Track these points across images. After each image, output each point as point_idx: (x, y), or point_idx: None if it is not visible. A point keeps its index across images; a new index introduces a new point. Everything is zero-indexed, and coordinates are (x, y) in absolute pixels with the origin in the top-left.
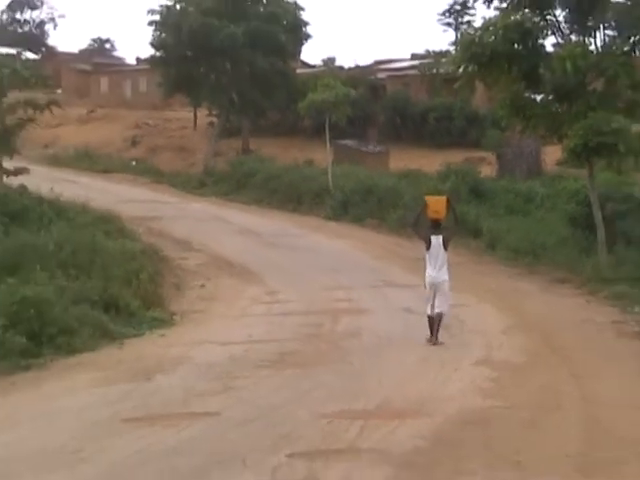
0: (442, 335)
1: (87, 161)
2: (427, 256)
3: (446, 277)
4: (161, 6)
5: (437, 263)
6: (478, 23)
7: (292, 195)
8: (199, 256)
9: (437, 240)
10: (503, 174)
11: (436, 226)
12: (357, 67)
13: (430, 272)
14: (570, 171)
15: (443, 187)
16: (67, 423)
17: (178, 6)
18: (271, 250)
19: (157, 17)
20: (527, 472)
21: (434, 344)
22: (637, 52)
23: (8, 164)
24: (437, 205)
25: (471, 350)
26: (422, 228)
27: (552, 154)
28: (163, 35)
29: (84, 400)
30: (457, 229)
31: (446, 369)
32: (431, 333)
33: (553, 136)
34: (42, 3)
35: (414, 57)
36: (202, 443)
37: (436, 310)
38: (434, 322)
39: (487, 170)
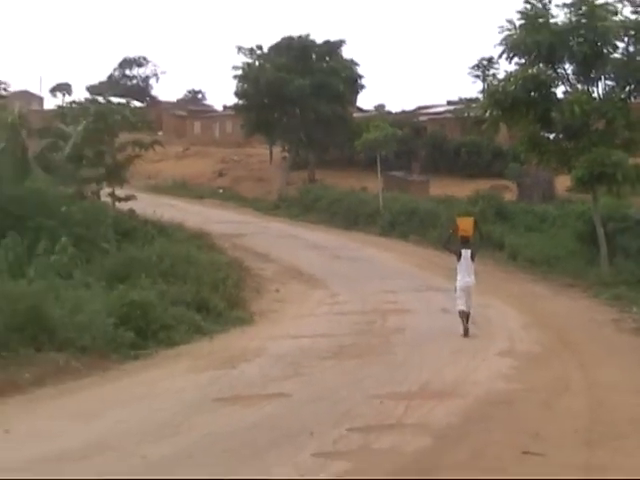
0: (472, 333)
1: (183, 189)
2: (458, 266)
3: (473, 282)
4: (243, 63)
5: (467, 271)
6: (501, 75)
7: (350, 216)
8: (274, 266)
9: (466, 253)
10: (522, 199)
11: (465, 242)
12: (403, 112)
13: (461, 278)
14: (577, 196)
15: (473, 209)
16: (167, 403)
17: (257, 63)
18: (333, 261)
19: (240, 72)
20: (544, 443)
21: (467, 335)
22: (632, 98)
23: (119, 192)
24: (466, 225)
25: (496, 343)
26: (454, 243)
27: (562, 182)
28: (245, 86)
29: (181, 384)
30: (482, 244)
31: (476, 358)
32: (465, 327)
33: (563, 167)
34: (147, 61)
35: (449, 103)
36: (277, 419)
37: (462, 307)
38: (466, 315)
39: (509, 196)
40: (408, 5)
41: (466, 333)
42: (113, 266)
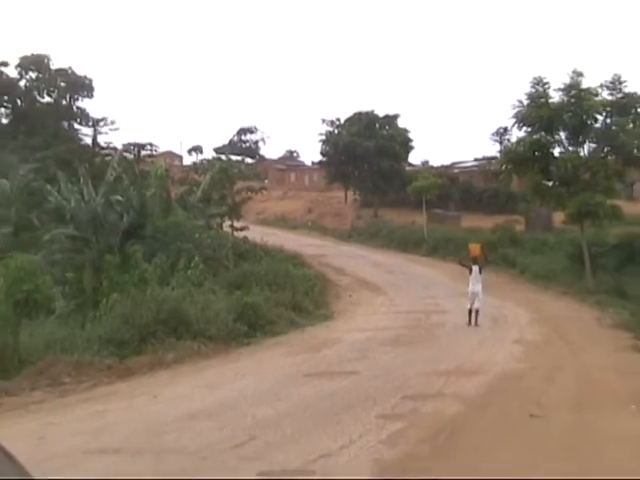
0: (492, 327)
1: (282, 222)
2: (470, 278)
3: (480, 289)
4: (326, 131)
5: (475, 281)
6: (514, 139)
7: (403, 242)
8: (348, 278)
9: (475, 269)
10: (529, 229)
11: (475, 261)
12: (442, 166)
13: (471, 287)
14: (569, 227)
15: (493, 237)
16: (271, 377)
17: (336, 131)
18: (390, 274)
19: (323, 137)
20: (545, 408)
21: (470, 324)
22: (609, 156)
23: (237, 224)
24: (475, 250)
25: (510, 334)
26: (467, 262)
27: (558, 217)
28: (327, 148)
29: (281, 363)
30: (486, 262)
31: (495, 345)
32: (469, 319)
33: (559, 206)
34: (257, 129)
35: (475, 159)
36: (349, 390)
37: (475, 306)
38: (473, 313)
39: (519, 227)
40: (447, 86)
41: (470, 322)
42: (232, 278)
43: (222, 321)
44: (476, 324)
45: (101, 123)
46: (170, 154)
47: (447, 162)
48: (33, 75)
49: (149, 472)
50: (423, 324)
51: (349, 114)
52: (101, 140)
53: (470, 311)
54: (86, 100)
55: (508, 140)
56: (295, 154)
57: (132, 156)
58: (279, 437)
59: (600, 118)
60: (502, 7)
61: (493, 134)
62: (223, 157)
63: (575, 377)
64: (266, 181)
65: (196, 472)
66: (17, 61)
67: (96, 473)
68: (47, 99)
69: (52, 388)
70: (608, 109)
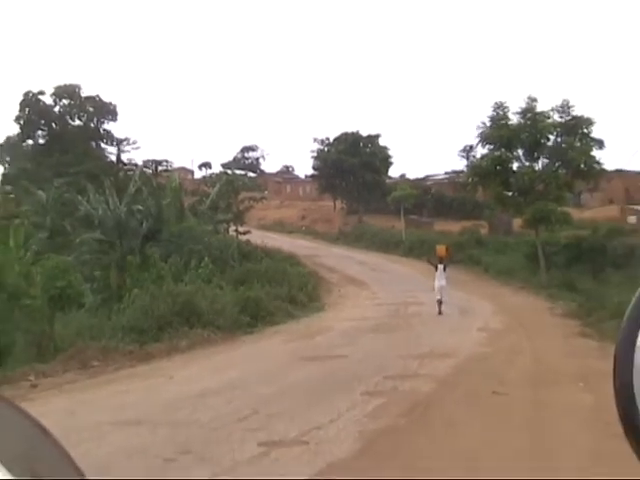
0: (461, 316)
1: (279, 227)
2: (436, 274)
3: (445, 284)
4: (317, 148)
5: (440, 277)
6: (478, 156)
7: (383, 244)
8: (337, 275)
9: (440, 267)
10: (492, 233)
11: (440, 260)
12: (416, 178)
13: (437, 282)
14: (526, 231)
15: (461, 239)
16: (271, 360)
17: (326, 148)
18: (373, 272)
19: (315, 154)
20: (506, 386)
21: (440, 314)
22: (559, 170)
23: (240, 229)
24: (440, 250)
25: (476, 323)
26: (434, 261)
27: (517, 222)
28: (318, 163)
29: (279, 349)
30: (451, 261)
31: (463, 332)
32: (439, 309)
33: (517, 213)
34: (258, 148)
35: (446, 172)
36: (339, 371)
37: (439, 298)
38: (440, 304)
39: (484, 231)
40: (422, 109)
41: (439, 313)
42: (237, 275)
43: (228, 312)
44: (440, 313)
45: (124, 143)
46: (183, 169)
47: (421, 175)
48: (66, 102)
49: (166, 442)
50: (401, 314)
51: (337, 134)
52: (124, 157)
53: (438, 301)
54: (111, 123)
55: (473, 156)
56: (290, 168)
57: (150, 171)
58: (278, 412)
59: (552, 137)
60: (468, 43)
61: (461, 151)
62: (229, 172)
63: (531, 359)
64: (266, 192)
65: (206, 442)
66: (52, 90)
67: (120, 443)
68: (78, 122)
69: (82, 371)
70: (558, 130)
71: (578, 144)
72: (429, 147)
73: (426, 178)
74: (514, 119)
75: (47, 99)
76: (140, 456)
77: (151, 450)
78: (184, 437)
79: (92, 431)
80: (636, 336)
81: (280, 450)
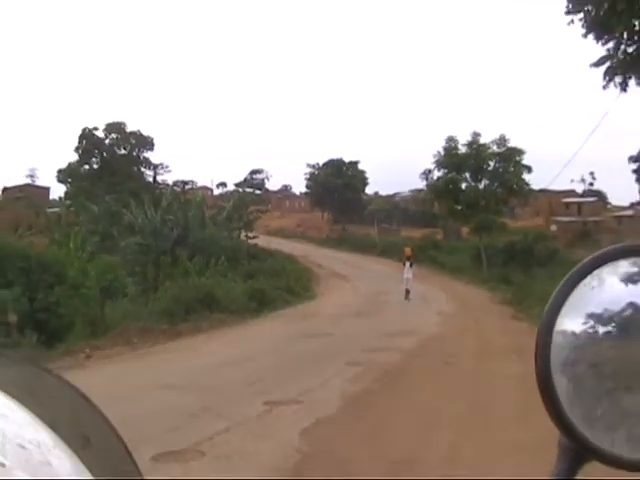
0: (422, 303)
1: (280, 233)
2: (404, 269)
3: (411, 277)
4: (309, 172)
5: (408, 272)
6: (435, 177)
7: (362, 247)
8: (325, 271)
9: (407, 263)
10: (446, 238)
11: (407, 258)
12: (387, 195)
13: (405, 275)
14: (472, 237)
15: (421, 243)
16: (273, 337)
17: (316, 172)
18: (354, 269)
19: (307, 176)
20: (456, 358)
21: (406, 299)
22: (498, 189)
23: (250, 235)
24: (407, 251)
25: (433, 308)
26: (403, 259)
27: (465, 230)
28: (310, 183)
29: (280, 329)
30: (415, 259)
31: (424, 316)
32: (405, 296)
33: (465, 223)
34: (263, 171)
35: (410, 190)
36: (327, 346)
37: (407, 287)
38: (407, 293)
39: (439, 236)
40: (393, 139)
41: (406, 298)
42: (246, 271)
43: (240, 300)
44: (407, 299)
45: (159, 167)
46: (205, 187)
47: (391, 192)
48: (114, 136)
49: (191, 402)
50: (376, 302)
51: (325, 160)
52: (159, 178)
53: (406, 291)
54: (149, 152)
55: (431, 178)
56: (289, 187)
57: (179, 189)
58: (279, 378)
59: (492, 164)
60: (425, 86)
61: (421, 174)
62: (240, 189)
63: (476, 337)
64: (269, 205)
65: (222, 402)
66: (104, 126)
67: (155, 402)
68: (123, 152)
69: (127, 346)
70: (497, 158)
71: (512, 169)
72: (397, 171)
73: (395, 195)
74: (462, 149)
75: (100, 133)
76: (171, 412)
77: (179, 408)
78: (205, 398)
79: (134, 392)
80: (554, 324)
81: (280, 408)
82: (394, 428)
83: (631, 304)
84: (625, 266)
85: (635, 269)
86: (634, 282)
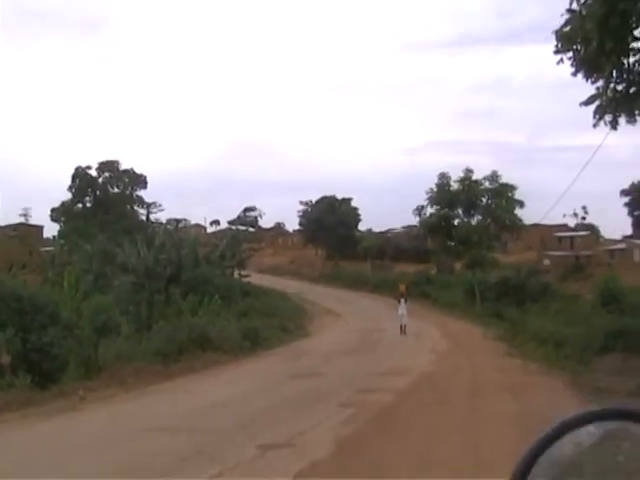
0: (415, 340)
1: (273, 271)
2: (399, 306)
3: (405, 313)
4: (302, 209)
5: (402, 308)
6: (428, 213)
7: (354, 283)
8: (318, 308)
9: (402, 300)
10: (439, 273)
11: (401, 295)
12: (380, 232)
13: (399, 312)
14: (465, 271)
15: (415, 278)
16: (266, 378)
17: (309, 209)
18: (347, 305)
19: (300, 213)
20: (449, 397)
21: (401, 334)
22: (490, 225)
23: (243, 273)
24: (401, 288)
25: (426, 345)
26: (397, 296)
27: (458, 265)
28: (303, 220)
29: (273, 368)
30: (409, 296)
31: (416, 354)
32: (400, 332)
33: (458, 258)
34: (256, 209)
35: (403, 227)
36: (319, 386)
37: (403, 323)
38: (402, 328)
39: (433, 271)
40: (384, 180)
41: (402, 333)
42: (240, 309)
43: (233, 339)
44: (404, 333)
45: (152, 206)
46: (198, 225)
47: (384, 229)
48: (107, 174)
49: (184, 444)
50: (369, 339)
51: (318, 197)
52: (152, 217)
53: (400, 327)
54: (142, 190)
55: (424, 214)
56: (282, 224)
57: (172, 227)
58: (271, 420)
59: (484, 199)
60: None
61: (414, 210)
62: (233, 227)
63: (469, 375)
64: (262, 243)
65: (215, 445)
66: (97, 165)
67: (149, 445)
68: (116, 190)
69: (120, 386)
70: (489, 193)
71: (504, 204)
72: (390, 207)
73: (387, 231)
74: (455, 186)
75: (93, 172)
76: (164, 456)
77: (172, 451)
78: (198, 441)
79: (127, 436)
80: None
81: (273, 451)
82: (387, 472)
83: (598, 468)
84: (591, 431)
85: (601, 433)
86: (599, 447)
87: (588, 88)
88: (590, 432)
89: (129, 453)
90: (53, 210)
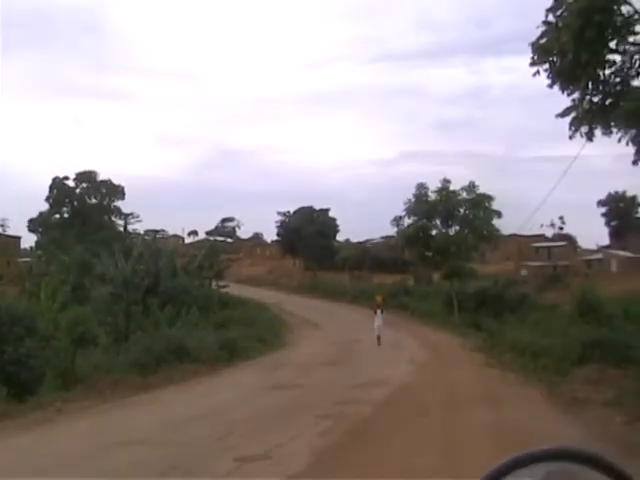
0: (392, 351)
1: (251, 281)
2: (375, 317)
3: (382, 324)
4: (281, 219)
5: (378, 319)
6: (406, 224)
7: (333, 293)
8: (296, 318)
9: (379, 311)
10: (417, 284)
11: (378, 306)
12: (358, 242)
13: (376, 323)
14: (443, 282)
15: (392, 289)
16: (243, 389)
17: (287, 219)
18: (325, 316)
19: (279, 223)
20: (426, 408)
21: (379, 345)
22: (468, 235)
23: (221, 283)
24: (378, 299)
25: (404, 356)
26: (374, 307)
27: (436, 275)
28: (281, 230)
29: (251, 379)
30: (386, 307)
31: (394, 365)
32: (378, 342)
33: (436, 269)
34: (234, 219)
35: (381, 237)
36: (297, 398)
37: (378, 334)
38: (379, 338)
39: (410, 282)
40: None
41: (379, 344)
42: (218, 320)
43: (211, 350)
44: (379, 344)
45: (130, 217)
46: (176, 236)
47: (362, 239)
48: (85, 185)
49: (160, 458)
50: (347, 350)
51: (296, 207)
52: (130, 228)
53: (378, 337)
54: (120, 201)
55: (402, 224)
56: (260, 235)
57: (150, 238)
58: (248, 432)
59: (462, 210)
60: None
61: (392, 220)
62: (211, 238)
63: (448, 386)
64: (241, 253)
65: (192, 458)
66: (74, 176)
67: (125, 459)
68: (94, 201)
69: (98, 398)
70: (467, 204)
71: (482, 215)
72: (368, 218)
73: (366, 242)
74: (433, 196)
75: (70, 183)
76: (140, 470)
77: (148, 466)
78: (175, 454)
79: (104, 450)
80: None
81: (250, 464)
82: None
83: None
84: (535, 471)
85: (542, 474)
86: None
87: (565, 99)
88: (534, 472)
89: (104, 468)
90: (30, 221)
